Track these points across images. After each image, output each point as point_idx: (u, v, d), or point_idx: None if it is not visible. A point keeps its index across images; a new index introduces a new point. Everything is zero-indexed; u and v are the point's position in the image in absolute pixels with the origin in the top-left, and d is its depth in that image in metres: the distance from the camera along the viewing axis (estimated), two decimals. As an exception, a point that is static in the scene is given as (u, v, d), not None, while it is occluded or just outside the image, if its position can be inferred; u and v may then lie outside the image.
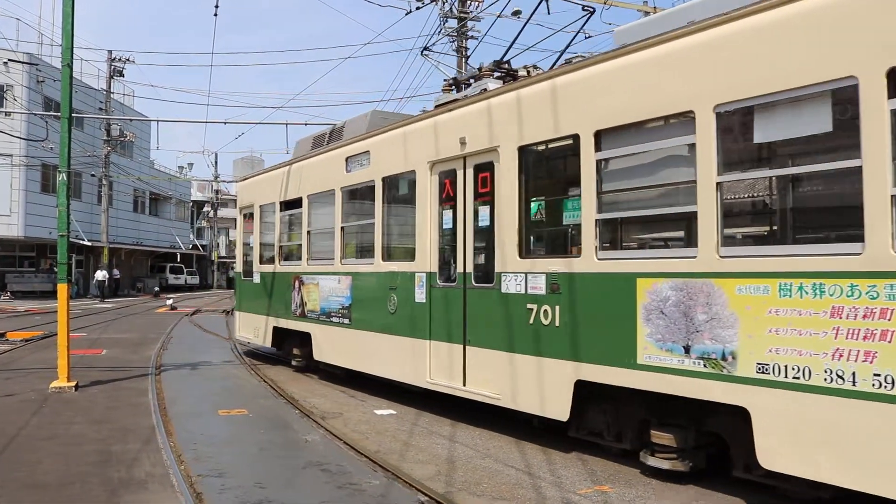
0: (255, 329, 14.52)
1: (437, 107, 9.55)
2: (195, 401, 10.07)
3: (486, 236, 8.20)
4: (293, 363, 13.15)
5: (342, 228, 11.20)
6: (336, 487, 6.14)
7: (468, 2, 29.55)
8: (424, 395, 9.75)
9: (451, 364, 8.52)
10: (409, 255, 9.55)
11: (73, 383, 10.80)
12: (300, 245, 12.65)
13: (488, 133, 8.06)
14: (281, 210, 13.43)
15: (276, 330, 13.52)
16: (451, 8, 29.60)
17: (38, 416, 8.89)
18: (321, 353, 11.69)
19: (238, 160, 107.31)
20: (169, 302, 36.12)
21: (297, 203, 12.82)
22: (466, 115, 8.49)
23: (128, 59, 48.54)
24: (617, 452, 7.04)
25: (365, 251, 10.78)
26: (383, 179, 10.11)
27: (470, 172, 8.42)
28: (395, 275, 9.66)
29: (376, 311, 10.04)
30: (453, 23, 30.26)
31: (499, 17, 27.31)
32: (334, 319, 11.19)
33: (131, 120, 50.77)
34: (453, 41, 30.24)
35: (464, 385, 8.28)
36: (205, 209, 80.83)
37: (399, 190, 10.04)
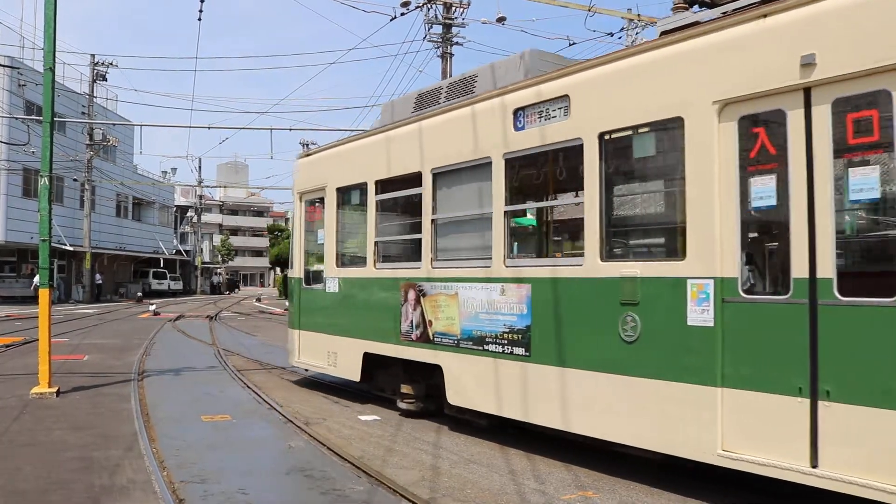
0: (327, 354, 10.88)
1: (665, 34, 6.56)
2: (178, 406, 10.00)
3: (871, 214, 5.50)
4: (401, 405, 9.47)
5: (506, 213, 7.72)
6: (320, 493, 6.12)
7: (453, 8, 29.64)
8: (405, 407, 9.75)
9: (777, 429, 5.36)
10: (667, 250, 6.81)
11: (55, 389, 10.71)
12: (418, 240, 9.10)
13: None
14: (379, 192, 9.87)
15: (369, 357, 9.93)
16: (435, 14, 29.67)
17: (18, 423, 8.80)
18: (461, 393, 8.21)
19: (222, 165, 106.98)
20: (152, 307, 35.87)
21: (410, 182, 9.28)
22: (822, 17, 5.28)
23: (111, 64, 48.36)
24: None
25: (559, 247, 8.72)
26: (602, 137, 6.72)
27: (823, 113, 5.24)
28: (635, 282, 6.33)
29: (592, 338, 6.69)
30: (438, 28, 30.33)
31: (484, 23, 27.35)
32: (492, 348, 7.73)
33: (114, 124, 50.54)
34: (438, 47, 30.30)
35: (814, 465, 5.13)
36: (188, 214, 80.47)
37: (636, 151, 6.82)
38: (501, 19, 27.06)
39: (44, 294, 10.92)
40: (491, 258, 7.82)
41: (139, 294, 52.09)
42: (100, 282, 50.26)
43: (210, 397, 10.82)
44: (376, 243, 9.93)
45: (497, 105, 7.93)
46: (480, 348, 7.90)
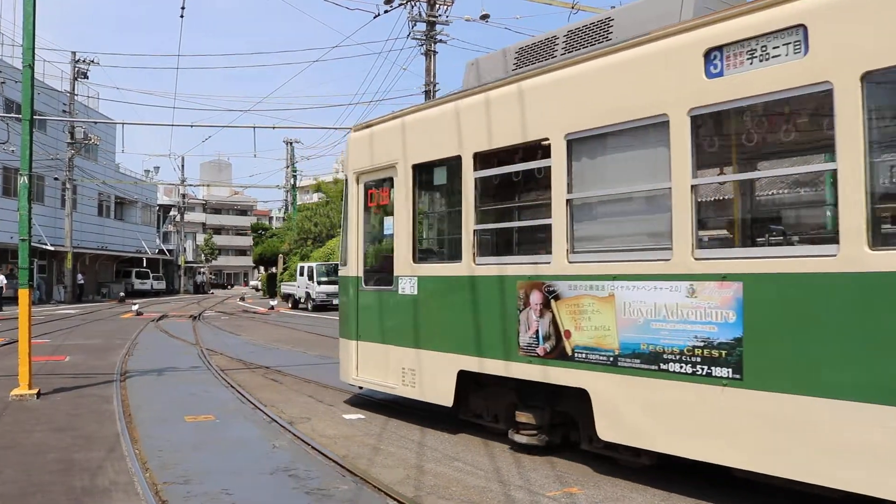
0: (401, 371, 8.67)
1: None
2: (161, 407, 9.92)
3: None
4: (516, 438, 7.40)
5: (693, 188, 5.82)
6: (304, 493, 6.09)
7: (437, 5, 29.59)
8: (393, 401, 9.73)
9: None
10: None
11: (35, 391, 10.60)
12: (542, 227, 7.36)
13: None
14: (479, 168, 7.84)
15: (465, 376, 7.92)
16: (419, 12, 29.65)
17: (-1, 425, 8.72)
18: (620, 426, 6.27)
19: (206, 163, 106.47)
20: (135, 307, 35.65)
21: (528, 153, 7.48)
22: None
23: (92, 61, 48.02)
24: None
25: (769, 231, 6.35)
26: (866, 79, 4.85)
27: None
28: None
29: (858, 357, 4.84)
30: (422, 26, 30.31)
31: (467, 20, 27.36)
32: (674, 368, 5.83)
33: (96, 122, 50.13)
34: (422, 45, 30.28)
35: None
36: (171, 213, 79.98)
37: None
38: (485, 17, 27.09)
39: (24, 294, 10.80)
40: (670, 248, 5.92)
41: (122, 294, 51.73)
42: (81, 282, 49.89)
43: (193, 397, 10.74)
44: (476, 233, 7.79)
45: (678, 46, 6.00)
46: (653, 368, 5.97)
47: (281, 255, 55.28)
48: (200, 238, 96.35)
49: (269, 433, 8.40)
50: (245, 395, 10.83)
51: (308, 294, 37.41)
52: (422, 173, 8.76)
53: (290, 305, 40.50)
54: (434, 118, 8.47)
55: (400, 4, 27.07)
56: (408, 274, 8.66)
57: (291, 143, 62.53)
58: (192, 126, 31.45)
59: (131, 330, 23.45)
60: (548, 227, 7.01)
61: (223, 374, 13.14)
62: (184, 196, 76.81)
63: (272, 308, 39.85)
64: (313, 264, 38.19)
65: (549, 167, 6.93)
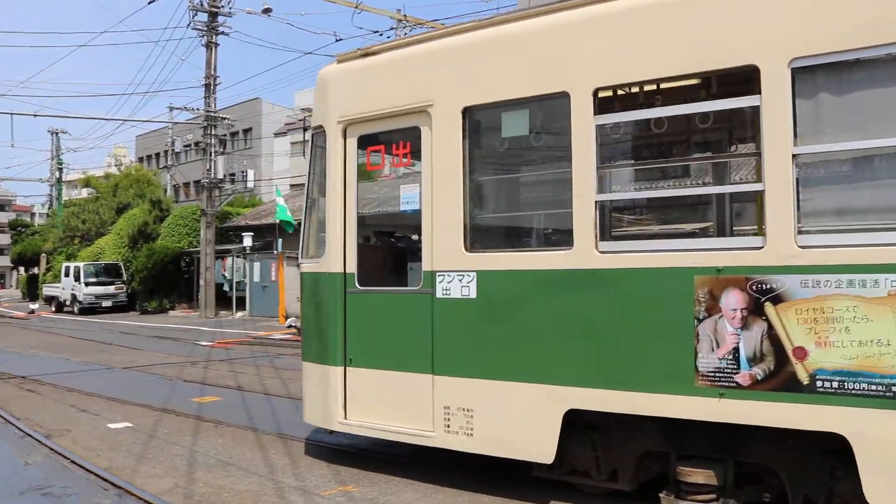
0: (438, 412, 6.03)
1: None
2: None
3: None
4: None
5: None
6: (59, 511, 5.66)
7: (219, -4, 28.65)
8: (162, 408, 9.29)
9: None
10: None
11: None
12: (729, 196, 6.17)
13: None
14: (604, 110, 5.49)
15: (576, 416, 5.47)
16: (201, 1, 28.53)
17: None
18: None
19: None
20: None
21: (700, 88, 5.89)
22: None
23: None
24: None
25: None
26: None
27: None
28: None
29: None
30: (204, 16, 29.19)
31: (249, 13, 26.70)
32: None
33: None
34: (203, 36, 29.17)
35: None
36: None
37: None
38: (267, 10, 26.55)
39: None
40: None
41: None
42: None
43: (-71, 413, 9.60)
44: (601, 205, 5.43)
45: None
46: None
47: (43, 255, 50.81)
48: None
49: (22, 449, 7.70)
50: (-7, 408, 9.83)
51: (74, 296, 34.89)
52: (480, 120, 6.18)
53: (53, 309, 37.38)
54: (509, 39, 5.84)
55: (179, -9, 25.90)
56: (455, 268, 5.96)
57: (57, 133, 57.96)
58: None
59: None
60: (747, 196, 5.55)
61: (-32, 385, 11.84)
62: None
63: (32, 312, 36.56)
64: (80, 264, 35.77)
65: (758, 107, 4.72)
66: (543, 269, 5.53)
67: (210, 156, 30.49)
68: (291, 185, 45.71)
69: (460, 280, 5.94)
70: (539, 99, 5.72)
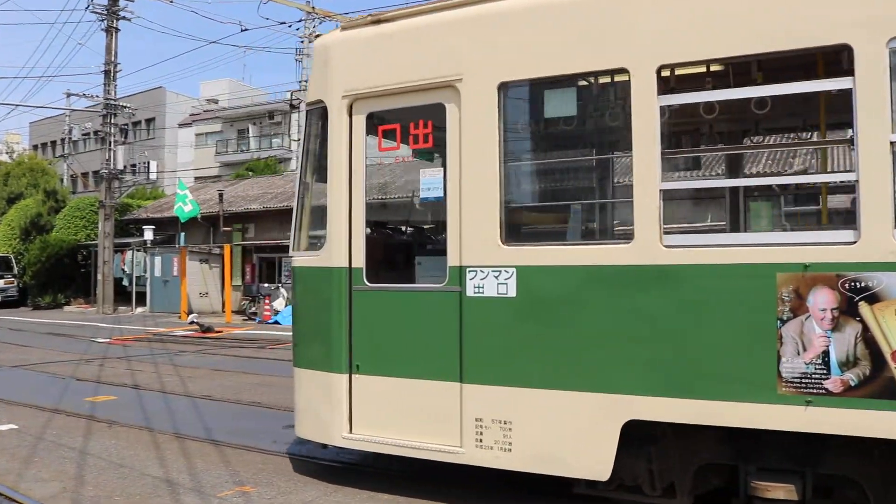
0: (468, 423, 5.35)
1: None
2: None
3: None
4: None
5: None
6: (-68, 519, 5.36)
7: (121, -20, 27.70)
8: (52, 409, 8.91)
9: None
10: None
11: None
12: (826, 188, 5.77)
13: None
14: (672, 88, 5.17)
15: (628, 427, 4.89)
16: (101, -16, 27.52)
17: None
18: None
19: None
20: None
21: (782, 69, 5.27)
22: None
23: None
24: None
25: None
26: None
27: None
28: None
29: None
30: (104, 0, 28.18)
31: None
32: None
33: None
34: (103, 20, 28.14)
35: None
36: None
37: None
38: (172, -2, 25.81)
39: None
40: None
41: None
42: None
43: None
44: (664, 195, 4.81)
45: None
46: None
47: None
48: None
49: None
50: None
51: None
52: (520, 97, 5.65)
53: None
54: (557, 6, 5.17)
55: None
56: (490, 263, 5.30)
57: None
58: None
59: None
60: (837, 189, 5.19)
61: None
62: None
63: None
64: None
65: (842, 91, 4.43)
66: (598, 264, 4.95)
67: (109, 145, 29.44)
68: (196, 178, 44.60)
69: (496, 276, 5.25)
70: (591, 75, 5.26)
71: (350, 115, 5.95)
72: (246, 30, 44.25)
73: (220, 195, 28.50)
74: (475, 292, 5.32)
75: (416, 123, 5.78)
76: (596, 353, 4.91)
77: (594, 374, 4.91)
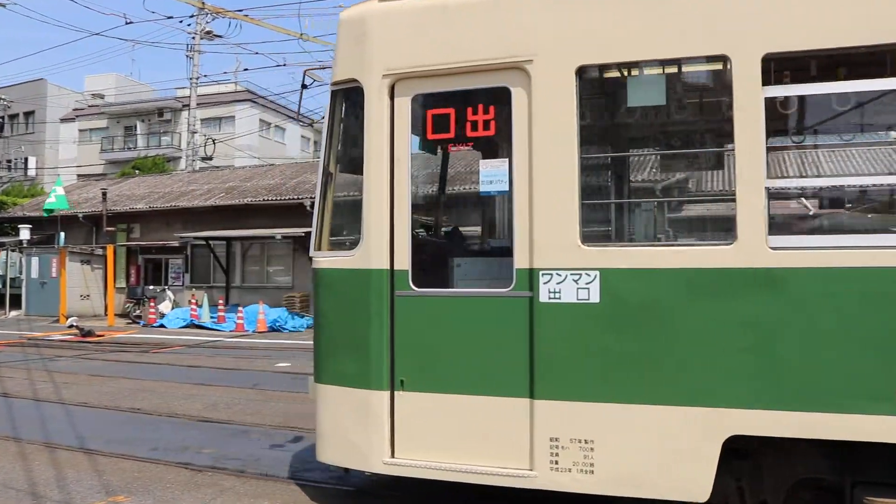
0: (540, 444, 4.71)
1: None
2: None
3: None
4: None
5: None
6: None
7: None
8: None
9: None
10: None
11: None
12: None
13: None
14: (774, 79, 4.49)
15: (738, 442, 4.45)
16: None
17: None
18: None
19: None
20: None
21: None
22: None
23: None
24: None
25: None
26: None
27: None
28: None
29: None
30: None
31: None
32: None
33: None
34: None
35: None
36: None
37: None
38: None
39: None
40: None
41: None
42: None
43: None
44: (771, 194, 4.50)
45: None
46: None
47: None
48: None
49: None
50: None
51: None
52: (600, 83, 5.15)
53: None
54: None
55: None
56: (568, 266, 4.73)
57: None
58: None
59: None
60: None
61: None
62: None
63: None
64: None
65: None
66: (696, 267, 4.49)
67: (-19, 139, 27.74)
68: (79, 176, 42.63)
69: (576, 280, 4.69)
70: (685, 61, 4.80)
71: (392, 98, 5.21)
72: (130, 23, 42.38)
73: (104, 194, 27.27)
74: (550, 297, 4.71)
75: (474, 108, 5.09)
76: (693, 363, 4.43)
77: (691, 386, 4.42)
